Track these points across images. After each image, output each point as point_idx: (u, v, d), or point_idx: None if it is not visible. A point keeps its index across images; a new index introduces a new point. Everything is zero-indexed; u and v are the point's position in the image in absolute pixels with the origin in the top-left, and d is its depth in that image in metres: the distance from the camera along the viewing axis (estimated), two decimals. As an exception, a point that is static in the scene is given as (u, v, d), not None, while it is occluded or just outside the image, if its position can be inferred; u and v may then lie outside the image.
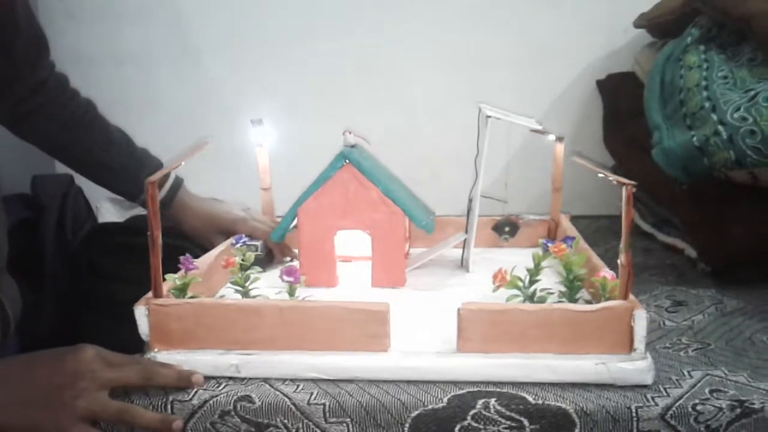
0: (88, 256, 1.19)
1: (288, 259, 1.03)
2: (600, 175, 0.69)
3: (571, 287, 0.75)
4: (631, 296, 0.68)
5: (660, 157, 0.99)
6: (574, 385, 0.67)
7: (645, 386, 0.66)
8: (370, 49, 1.45)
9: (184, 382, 0.68)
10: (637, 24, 1.28)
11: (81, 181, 1.14)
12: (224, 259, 0.83)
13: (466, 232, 0.98)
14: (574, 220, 1.05)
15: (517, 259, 0.76)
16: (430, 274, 0.96)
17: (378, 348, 0.69)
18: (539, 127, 0.98)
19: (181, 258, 0.77)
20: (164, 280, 0.72)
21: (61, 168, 1.16)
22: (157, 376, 0.68)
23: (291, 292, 0.74)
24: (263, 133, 1.01)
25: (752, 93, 0.91)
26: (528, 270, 0.75)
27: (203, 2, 1.46)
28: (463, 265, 1.00)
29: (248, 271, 0.81)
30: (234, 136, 1.07)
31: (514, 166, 1.10)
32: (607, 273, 0.72)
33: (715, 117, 0.92)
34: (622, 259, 0.66)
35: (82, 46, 1.46)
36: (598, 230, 1.25)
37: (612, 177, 0.67)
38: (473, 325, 0.67)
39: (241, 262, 0.82)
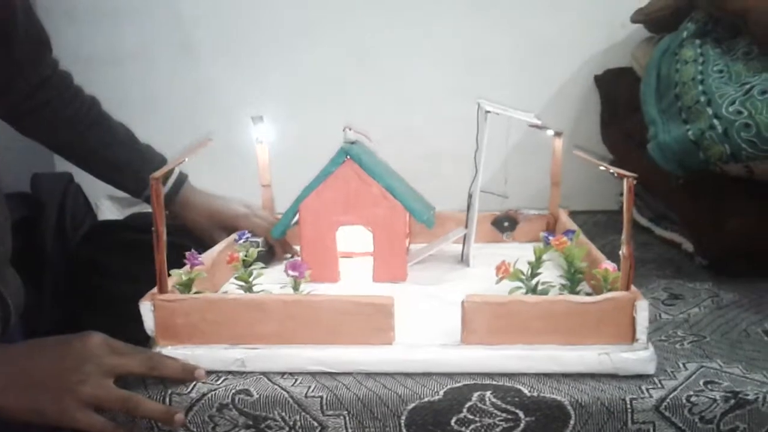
0: (88, 254, 1.18)
1: (288, 255, 1.03)
2: (601, 167, 0.70)
3: (573, 279, 0.75)
4: (633, 287, 0.68)
5: (655, 152, 1.00)
6: (569, 377, 0.67)
7: (641, 378, 0.67)
8: (369, 45, 1.46)
9: (187, 375, 0.68)
10: (635, 19, 1.29)
11: (80, 178, 1.14)
12: (228, 255, 0.83)
13: (466, 227, 0.99)
14: (573, 215, 1.06)
15: (516, 253, 0.77)
16: (431, 269, 0.97)
17: (383, 341, 0.69)
18: (538, 122, 0.98)
19: (187, 253, 0.77)
20: (169, 275, 0.72)
21: (60, 166, 1.16)
22: (161, 367, 0.68)
23: (296, 287, 0.74)
24: (263, 130, 1.01)
25: (747, 86, 0.92)
26: (529, 263, 0.75)
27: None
28: (463, 259, 1.00)
29: (251, 267, 0.82)
30: (234, 133, 1.07)
31: (514, 162, 1.10)
32: (608, 265, 0.73)
33: (710, 111, 0.93)
34: (623, 250, 0.66)
35: (81, 45, 1.46)
36: (596, 225, 1.26)
37: (613, 169, 0.67)
38: (477, 317, 0.68)
39: (245, 258, 0.83)
